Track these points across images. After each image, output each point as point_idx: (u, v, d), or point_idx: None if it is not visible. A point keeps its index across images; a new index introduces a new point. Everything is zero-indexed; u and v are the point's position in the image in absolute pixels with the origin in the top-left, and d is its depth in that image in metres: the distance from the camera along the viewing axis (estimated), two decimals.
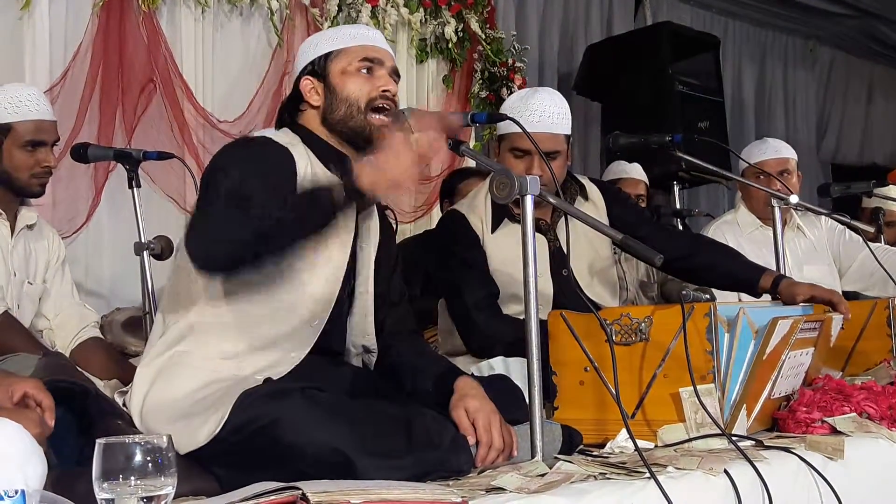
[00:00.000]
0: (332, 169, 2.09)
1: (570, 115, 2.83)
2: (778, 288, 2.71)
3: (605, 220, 2.83)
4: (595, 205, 2.88)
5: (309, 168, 2.09)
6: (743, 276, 2.81)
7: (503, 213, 2.77)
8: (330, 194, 1.87)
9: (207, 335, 2.00)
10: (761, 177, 3.61)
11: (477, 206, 2.84)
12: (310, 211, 1.89)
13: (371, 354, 2.22)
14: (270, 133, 2.16)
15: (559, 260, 2.76)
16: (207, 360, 1.98)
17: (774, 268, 3.11)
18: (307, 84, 2.16)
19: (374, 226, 2.24)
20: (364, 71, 2.14)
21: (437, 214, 4.88)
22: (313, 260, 2.03)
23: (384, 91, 2.14)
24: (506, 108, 2.83)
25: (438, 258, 2.93)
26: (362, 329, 2.19)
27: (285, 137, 2.14)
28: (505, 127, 2.77)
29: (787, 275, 3.13)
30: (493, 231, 2.78)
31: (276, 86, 4.28)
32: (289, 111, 2.21)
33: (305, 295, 2.03)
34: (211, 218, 1.92)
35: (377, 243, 2.24)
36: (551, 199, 2.13)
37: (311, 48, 2.20)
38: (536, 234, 2.76)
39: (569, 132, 2.81)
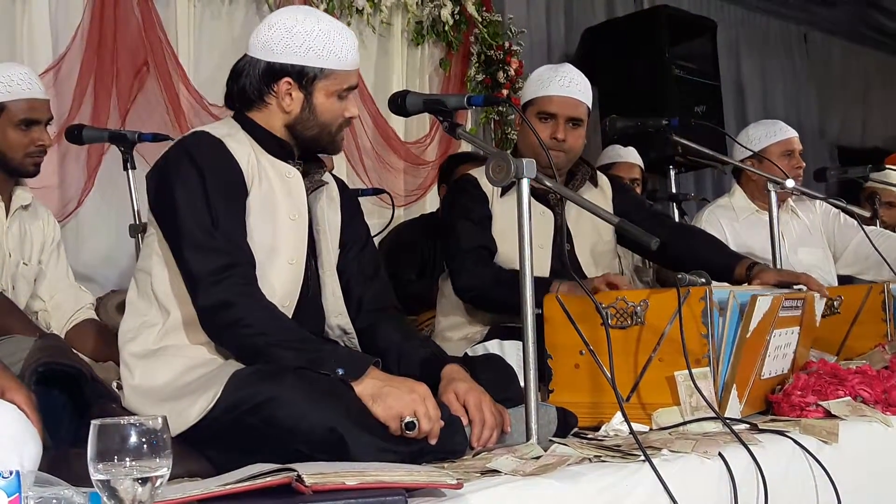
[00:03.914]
0: (275, 156, 2.16)
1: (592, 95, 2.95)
2: (751, 274, 2.72)
3: (609, 206, 2.95)
4: (603, 191, 3.00)
5: (252, 157, 2.12)
6: (719, 264, 2.80)
7: None
8: (328, 365, 1.88)
9: (183, 324, 2.03)
10: (787, 157, 3.61)
11: None
12: (304, 356, 1.91)
13: (349, 336, 2.23)
14: (208, 127, 2.15)
15: (563, 235, 2.82)
16: (190, 347, 2.02)
17: (770, 251, 3.11)
18: (286, 87, 2.14)
19: (330, 205, 2.28)
20: (341, 96, 2.17)
21: (429, 199, 4.87)
22: (272, 248, 2.08)
23: (350, 118, 2.20)
24: (534, 76, 2.97)
25: (445, 209, 3.04)
26: (336, 309, 2.23)
27: (223, 129, 2.15)
28: (532, 92, 2.92)
29: (783, 258, 3.14)
30: (502, 195, 2.84)
31: None
32: (244, 99, 2.18)
33: (268, 284, 2.05)
34: (201, 280, 1.96)
35: (339, 222, 2.28)
36: (547, 183, 2.12)
37: (298, 49, 2.12)
38: (544, 207, 2.83)
39: (590, 106, 2.92)
